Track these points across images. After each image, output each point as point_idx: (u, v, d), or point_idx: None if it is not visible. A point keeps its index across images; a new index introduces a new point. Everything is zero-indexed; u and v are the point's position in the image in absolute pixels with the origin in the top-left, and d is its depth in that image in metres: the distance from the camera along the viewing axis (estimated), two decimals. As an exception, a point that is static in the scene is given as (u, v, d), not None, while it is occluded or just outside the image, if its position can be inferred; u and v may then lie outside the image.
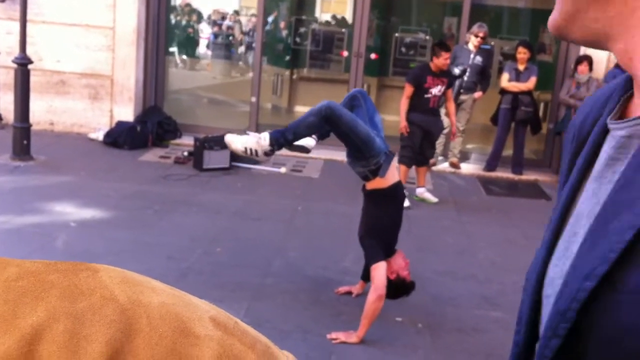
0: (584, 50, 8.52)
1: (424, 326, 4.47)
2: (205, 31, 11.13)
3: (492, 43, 10.30)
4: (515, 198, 8.07)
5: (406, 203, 7.33)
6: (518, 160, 8.86)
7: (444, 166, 8.97)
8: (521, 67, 8.52)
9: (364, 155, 4.19)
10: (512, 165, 8.90)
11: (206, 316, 0.62)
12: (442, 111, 8.47)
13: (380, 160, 4.20)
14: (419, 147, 7.20)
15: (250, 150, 4.13)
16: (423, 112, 7.14)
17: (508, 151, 8.97)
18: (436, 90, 7.12)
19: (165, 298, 0.61)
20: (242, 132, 4.30)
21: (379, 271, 4.12)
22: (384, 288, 4.09)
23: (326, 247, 5.74)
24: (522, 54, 8.50)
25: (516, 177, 8.81)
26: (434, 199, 7.41)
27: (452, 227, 6.69)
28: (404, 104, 7.08)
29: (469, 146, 9.84)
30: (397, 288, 4.26)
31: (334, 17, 11.23)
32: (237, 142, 4.17)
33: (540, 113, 9.21)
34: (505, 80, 8.59)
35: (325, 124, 4.11)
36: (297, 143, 4.29)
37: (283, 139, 4.15)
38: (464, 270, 5.51)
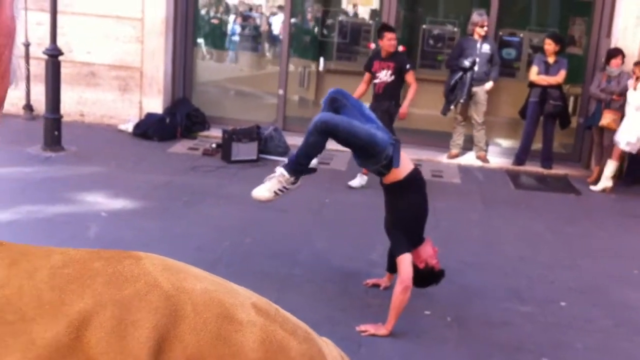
0: (614, 43, 8.41)
1: (452, 319, 4.46)
2: (233, 22, 11.15)
3: (521, 35, 10.21)
4: (545, 192, 8.00)
5: (355, 182, 7.23)
6: (547, 154, 8.76)
7: (472, 159, 8.92)
8: (550, 59, 8.42)
9: (371, 153, 4.15)
10: (541, 159, 8.80)
11: (248, 302, 0.62)
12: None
13: (389, 152, 4.13)
14: None
15: (279, 190, 4.22)
16: (373, 97, 7.31)
17: (537, 145, 8.88)
18: (382, 75, 7.18)
19: (208, 285, 0.62)
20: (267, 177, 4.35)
21: (405, 263, 4.11)
22: (410, 280, 4.08)
23: (353, 238, 5.74)
24: (549, 45, 8.39)
25: (545, 171, 8.72)
26: (357, 184, 7.30)
27: (479, 220, 6.66)
28: (358, 88, 7.23)
29: (498, 140, 9.77)
30: (427, 276, 4.25)
31: (361, 8, 11.19)
32: (263, 192, 4.25)
33: (570, 107, 9.10)
34: (534, 73, 8.50)
35: (326, 137, 4.10)
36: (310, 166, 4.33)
37: (300, 166, 4.20)
38: (491, 264, 5.48)
